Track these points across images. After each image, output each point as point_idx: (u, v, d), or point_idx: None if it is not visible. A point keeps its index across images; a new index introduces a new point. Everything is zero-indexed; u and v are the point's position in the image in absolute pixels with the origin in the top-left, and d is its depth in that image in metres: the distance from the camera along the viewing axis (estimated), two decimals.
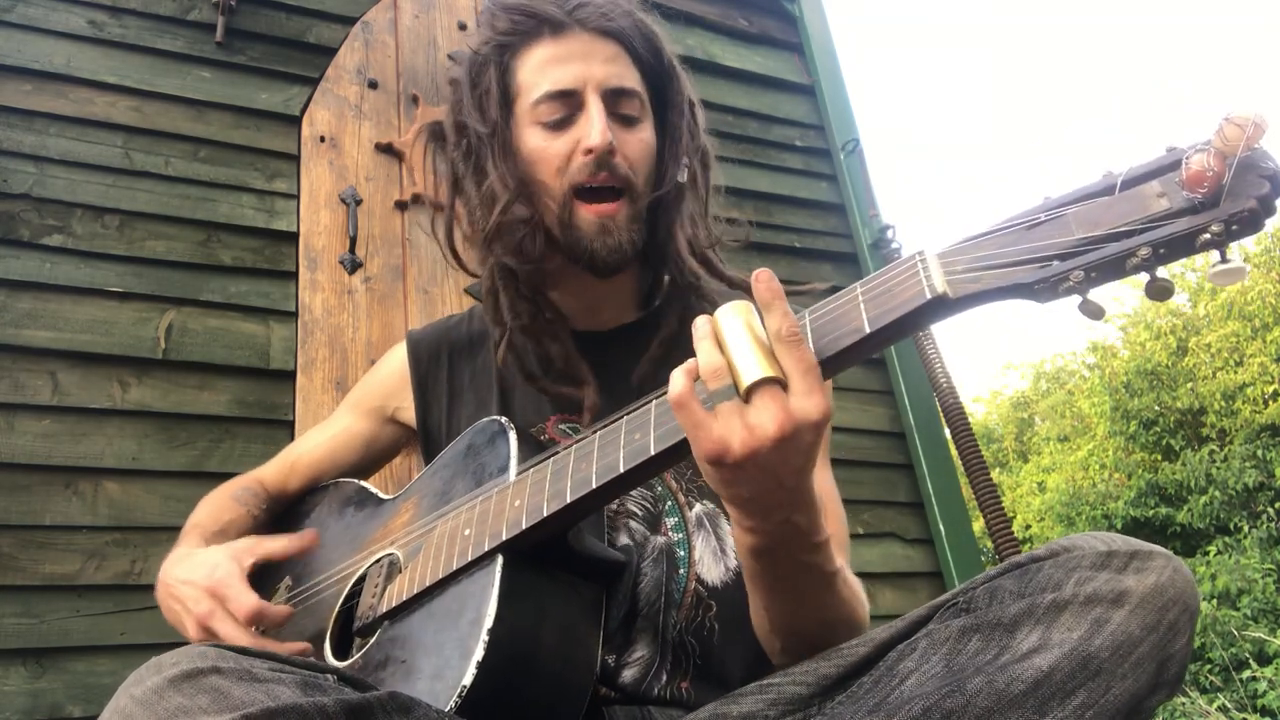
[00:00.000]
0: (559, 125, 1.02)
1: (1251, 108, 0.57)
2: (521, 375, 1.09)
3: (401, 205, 2.43)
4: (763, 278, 0.69)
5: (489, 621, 0.79)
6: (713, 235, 1.12)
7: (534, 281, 1.06)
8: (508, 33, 1.04)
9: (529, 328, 1.07)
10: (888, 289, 0.68)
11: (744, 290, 1.10)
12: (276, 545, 1.01)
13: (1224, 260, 0.58)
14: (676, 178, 1.05)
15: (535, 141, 1.03)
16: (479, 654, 0.77)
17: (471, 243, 1.10)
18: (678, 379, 0.70)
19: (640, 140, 1.04)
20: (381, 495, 1.15)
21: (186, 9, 2.39)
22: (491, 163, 1.04)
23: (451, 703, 0.75)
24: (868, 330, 0.68)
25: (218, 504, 1.18)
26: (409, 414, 1.21)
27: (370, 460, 1.26)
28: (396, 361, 1.24)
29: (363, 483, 1.21)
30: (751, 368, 0.67)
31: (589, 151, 0.99)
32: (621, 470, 0.79)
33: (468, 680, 0.76)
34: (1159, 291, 0.60)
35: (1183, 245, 0.59)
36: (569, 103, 1.02)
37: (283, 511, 1.24)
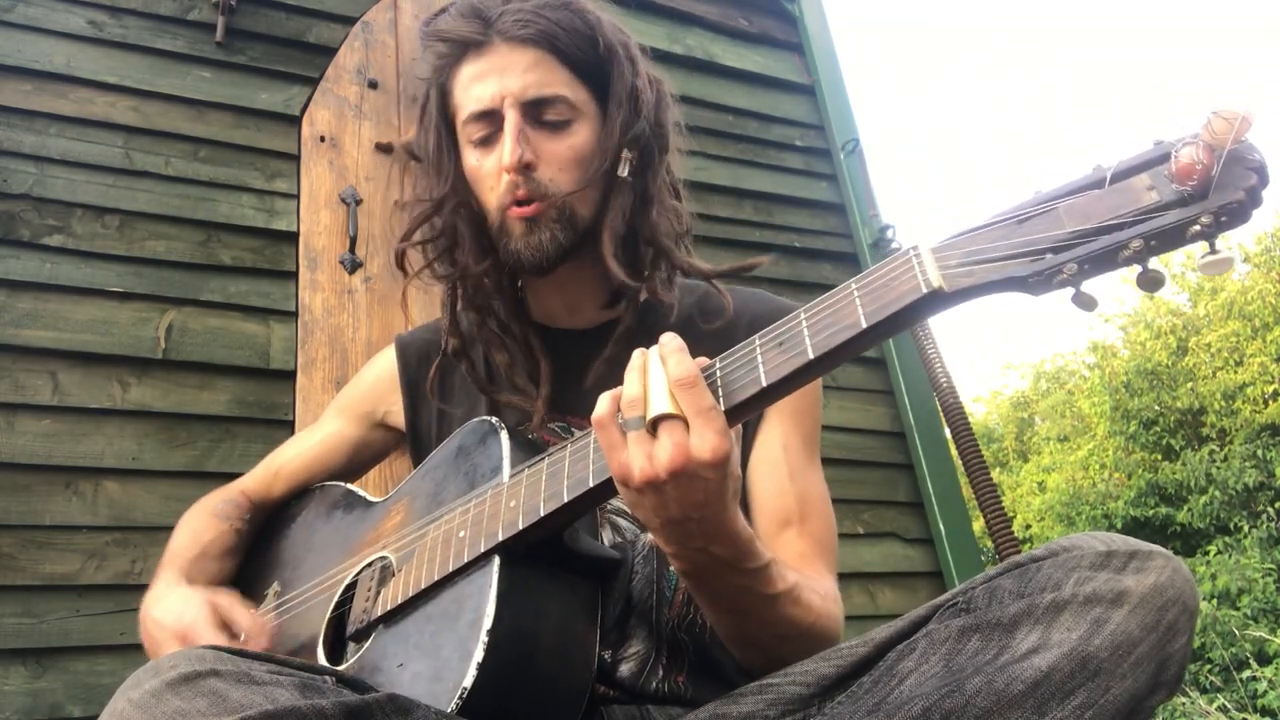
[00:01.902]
0: (486, 143, 1.04)
1: (1239, 102, 0.58)
2: (475, 384, 1.13)
3: (402, 205, 2.42)
4: (662, 339, 0.76)
5: (488, 622, 0.78)
6: (666, 227, 1.10)
7: (477, 291, 1.10)
8: (440, 55, 1.07)
9: (478, 335, 1.12)
10: (884, 284, 0.69)
11: (706, 280, 1.11)
12: (242, 618, 1.02)
13: (1213, 251, 0.60)
14: (609, 172, 1.05)
15: (471, 161, 1.06)
16: (479, 655, 0.77)
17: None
18: (603, 401, 0.75)
19: (567, 146, 1.04)
20: (370, 498, 1.13)
21: (186, 9, 2.39)
22: (431, 176, 1.09)
23: (452, 704, 0.75)
24: (864, 325, 0.68)
25: (198, 523, 1.18)
26: (398, 417, 1.21)
27: (358, 465, 1.26)
28: (385, 365, 1.24)
29: (350, 486, 1.20)
30: (659, 403, 0.72)
31: (504, 170, 1.02)
32: None
33: (468, 682, 0.76)
34: (1150, 282, 0.61)
35: (1174, 237, 0.60)
36: (491, 120, 1.03)
37: (267, 519, 1.24)
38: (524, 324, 1.12)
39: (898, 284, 0.68)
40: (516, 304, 1.12)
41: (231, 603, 1.03)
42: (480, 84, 1.03)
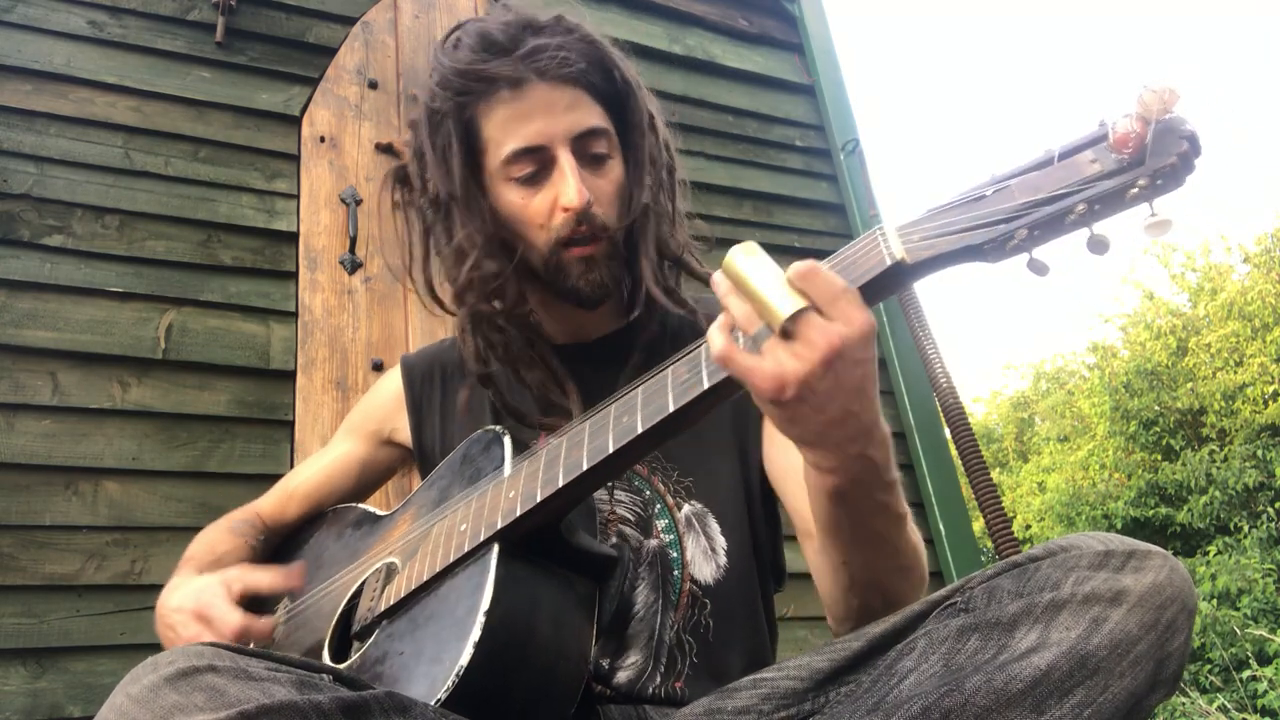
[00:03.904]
0: (533, 180, 1.03)
1: (1165, 78, 0.65)
2: (506, 412, 1.12)
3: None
4: (736, 250, 0.72)
5: (485, 604, 0.80)
6: (683, 242, 1.12)
7: (509, 319, 1.09)
8: (461, 91, 1.04)
9: (505, 358, 1.10)
10: (852, 261, 0.73)
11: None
12: (264, 578, 1.02)
13: (1153, 214, 0.64)
14: (641, 199, 1.07)
15: (513, 198, 1.04)
16: (475, 635, 0.78)
17: (446, 291, 1.13)
18: (716, 337, 0.72)
19: (610, 180, 1.06)
20: (379, 513, 1.16)
21: (186, 9, 2.39)
22: (459, 218, 1.06)
23: (450, 681, 0.76)
24: None
25: (213, 537, 1.19)
26: (405, 435, 1.24)
27: (367, 482, 1.29)
28: (392, 385, 1.27)
29: (362, 505, 1.22)
30: (784, 303, 0.69)
31: (567, 209, 1.02)
32: (611, 450, 0.81)
33: (464, 660, 0.77)
34: (1096, 245, 0.66)
35: (1114, 200, 0.64)
36: (539, 158, 1.02)
37: (281, 541, 1.26)
38: (542, 344, 1.12)
39: (864, 259, 0.72)
40: (533, 326, 1.13)
41: (245, 571, 1.03)
42: (524, 123, 1.02)
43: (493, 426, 1.04)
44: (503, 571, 0.83)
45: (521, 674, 0.82)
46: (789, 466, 1.03)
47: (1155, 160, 0.63)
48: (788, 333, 0.68)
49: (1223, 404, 11.45)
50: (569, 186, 1.00)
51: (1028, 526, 13.07)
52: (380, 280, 2.33)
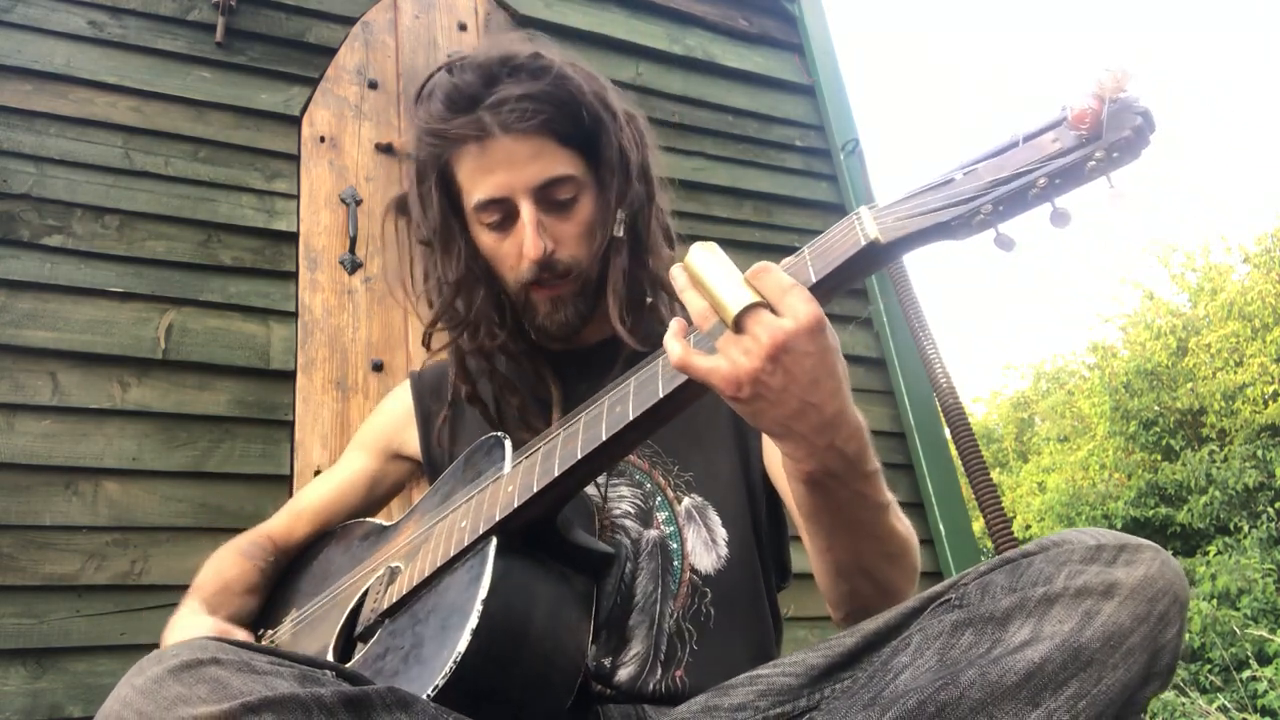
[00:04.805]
0: (501, 227, 1.09)
1: (1119, 60, 0.67)
2: (490, 426, 1.17)
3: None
4: (695, 249, 0.77)
5: (483, 593, 0.82)
6: (657, 270, 1.15)
7: (490, 340, 1.15)
8: (435, 144, 1.09)
9: (490, 381, 1.18)
10: (830, 245, 0.77)
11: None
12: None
13: (1113, 187, 0.68)
14: (611, 234, 1.11)
15: (486, 241, 1.11)
16: (473, 622, 0.80)
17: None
18: (673, 345, 0.76)
19: (577, 222, 1.09)
20: (386, 524, 1.18)
21: (186, 9, 2.40)
22: (440, 257, 1.14)
23: (448, 668, 0.78)
24: (814, 280, 0.75)
25: (223, 561, 1.20)
26: (414, 447, 1.27)
27: (376, 497, 1.31)
28: (401, 399, 1.31)
29: (371, 519, 1.24)
30: (733, 298, 0.72)
31: (527, 260, 1.07)
32: (604, 439, 0.83)
33: (461, 647, 0.78)
34: (1059, 218, 0.69)
35: (1074, 173, 0.68)
36: (503, 208, 1.07)
37: (290, 561, 1.27)
38: (534, 357, 1.17)
39: (841, 242, 0.76)
40: (521, 336, 1.17)
41: (246, 639, 1.04)
42: (487, 175, 1.06)
43: (494, 433, 1.07)
44: (501, 564, 0.85)
45: (518, 664, 0.83)
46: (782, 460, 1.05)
47: (1111, 135, 0.66)
48: (740, 326, 0.71)
49: (1223, 404, 11.45)
50: (527, 240, 1.05)
51: (1028, 526, 13.07)
52: (380, 280, 2.34)
